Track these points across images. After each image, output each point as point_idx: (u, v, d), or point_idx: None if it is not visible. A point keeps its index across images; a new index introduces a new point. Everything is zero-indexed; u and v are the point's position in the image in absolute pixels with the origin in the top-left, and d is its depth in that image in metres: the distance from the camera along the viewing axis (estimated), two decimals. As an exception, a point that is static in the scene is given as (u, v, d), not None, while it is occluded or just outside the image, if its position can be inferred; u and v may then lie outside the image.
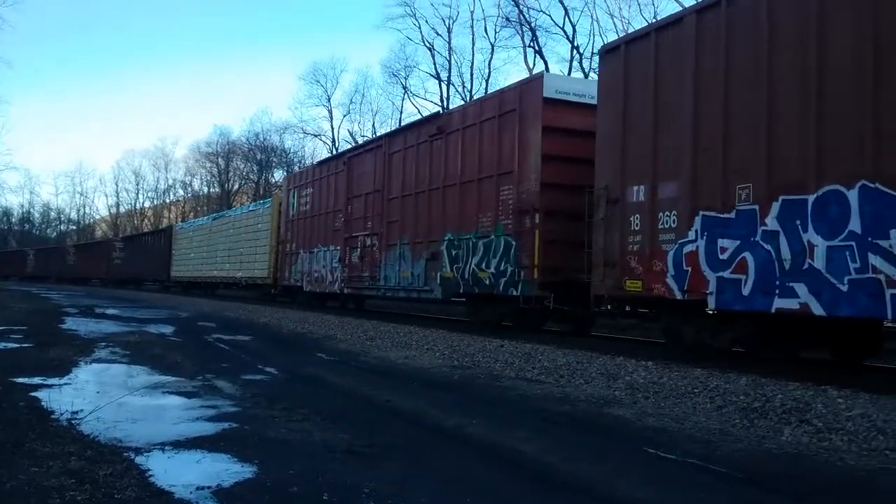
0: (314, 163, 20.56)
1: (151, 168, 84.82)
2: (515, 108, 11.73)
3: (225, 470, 3.92)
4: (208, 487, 3.56)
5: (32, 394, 6.02)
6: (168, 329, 13.91)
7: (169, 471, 3.85)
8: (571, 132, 11.09)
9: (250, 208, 29.02)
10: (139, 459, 4.03)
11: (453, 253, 13.21)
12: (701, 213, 8.13)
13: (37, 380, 6.81)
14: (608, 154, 9.63)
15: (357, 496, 3.50)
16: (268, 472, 3.87)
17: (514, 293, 11.42)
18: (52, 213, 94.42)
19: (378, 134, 28.00)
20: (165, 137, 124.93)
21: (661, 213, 8.70)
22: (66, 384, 6.74)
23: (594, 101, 10.42)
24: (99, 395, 6.10)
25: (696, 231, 8.19)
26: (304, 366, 8.87)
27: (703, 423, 5.52)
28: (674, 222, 8.52)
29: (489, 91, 32.88)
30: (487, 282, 12.13)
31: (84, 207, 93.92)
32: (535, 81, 11.84)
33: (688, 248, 8.29)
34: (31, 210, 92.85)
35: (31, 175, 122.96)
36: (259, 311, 19.68)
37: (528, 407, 6.21)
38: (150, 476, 3.72)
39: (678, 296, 8.37)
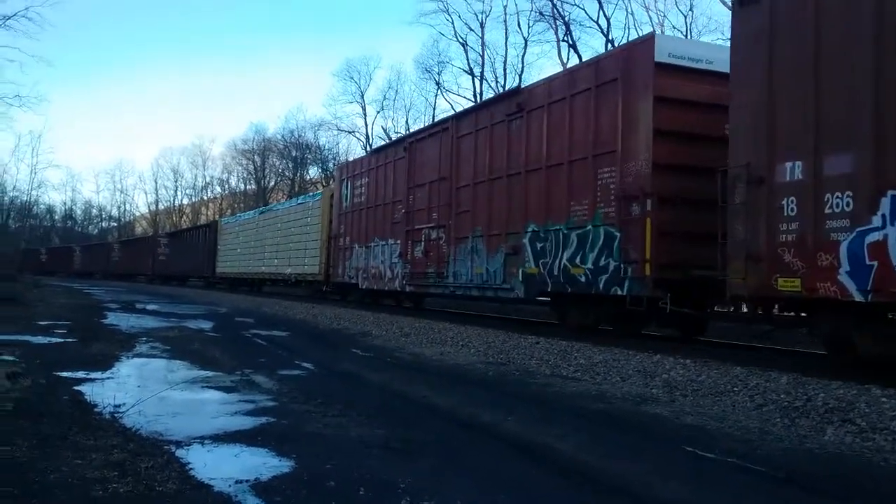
0: (370, 150, 19.08)
1: (189, 165, 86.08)
2: (617, 77, 10.08)
3: (263, 464, 3.96)
4: (247, 481, 3.60)
5: (76, 387, 6.15)
6: (207, 325, 14.12)
7: (208, 464, 3.91)
8: (689, 104, 9.55)
9: (299, 201, 27.32)
10: (179, 453, 4.10)
11: (538, 246, 11.55)
12: (890, 192, 6.49)
13: (80, 374, 6.96)
14: (748, 125, 7.91)
15: (393, 491, 3.51)
16: (305, 467, 3.90)
17: (619, 292, 9.77)
18: (94, 210, 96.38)
19: (407, 131, 27.04)
20: (203, 135, 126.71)
21: (828, 195, 7.00)
22: (108, 378, 6.87)
23: (715, 68, 9.26)
24: (140, 388, 6.21)
25: (884, 216, 6.53)
26: (339, 361, 8.94)
27: (743, 421, 5.44)
28: (848, 205, 6.83)
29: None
30: (583, 279, 10.46)
31: (124, 204, 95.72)
32: (644, 43, 10.12)
33: (871, 238, 6.63)
34: (74, 207, 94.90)
35: (73, 173, 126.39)
36: (295, 308, 19.84)
37: (564, 404, 6.18)
38: (191, 469, 3.77)
39: (857, 297, 6.72)
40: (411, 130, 19.36)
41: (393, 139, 19.68)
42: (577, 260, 10.63)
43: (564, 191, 11.02)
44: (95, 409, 5.17)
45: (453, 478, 3.83)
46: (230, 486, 3.51)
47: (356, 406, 5.71)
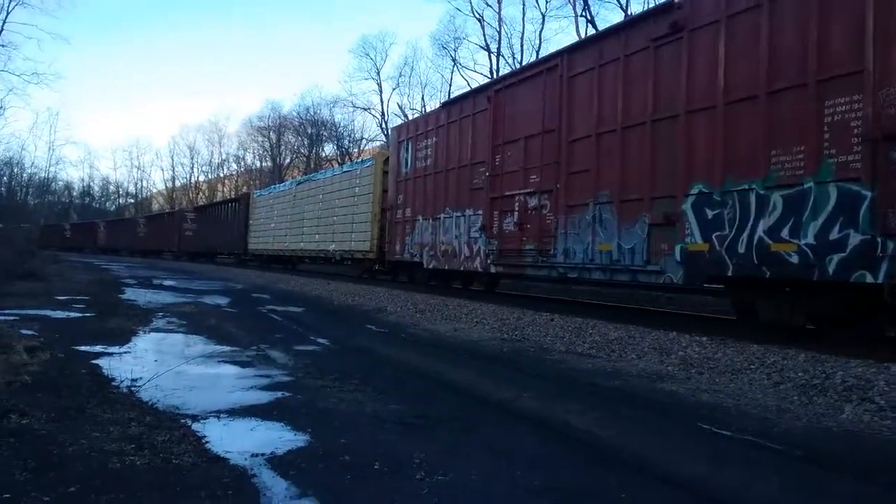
0: (439, 104, 14.92)
1: (205, 142, 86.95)
2: None
3: (278, 438, 3.98)
4: (262, 454, 3.62)
5: (94, 361, 6.20)
6: (223, 300, 14.20)
7: (224, 438, 3.93)
8: None
9: (345, 169, 24.05)
10: (196, 426, 4.12)
11: (709, 214, 8.57)
12: None
13: (98, 348, 7.02)
14: None
15: (408, 466, 3.52)
16: (320, 441, 3.92)
17: (870, 279, 6.77)
18: (111, 187, 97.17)
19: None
20: (219, 112, 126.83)
21: None
22: (125, 352, 6.93)
23: None
24: (157, 363, 6.26)
25: None
26: (354, 337, 8.96)
27: (760, 399, 5.40)
28: None
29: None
30: (795, 259, 7.49)
31: (141, 181, 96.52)
32: None
33: None
34: (91, 184, 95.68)
35: (91, 150, 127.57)
36: (312, 284, 19.90)
37: (579, 381, 6.17)
38: (207, 443, 3.80)
39: None
40: (497, 77, 15.48)
41: (471, 88, 16.14)
42: (785, 232, 7.66)
43: (760, 135, 7.99)
44: (113, 383, 5.21)
45: (468, 453, 3.83)
46: (246, 459, 3.53)
47: (371, 381, 5.73)
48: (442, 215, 15.37)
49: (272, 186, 35.87)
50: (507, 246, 12.78)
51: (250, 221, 34.11)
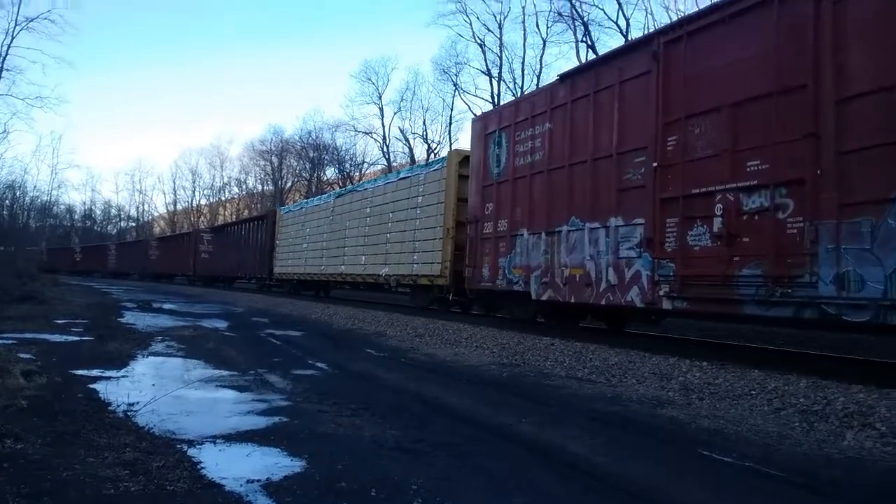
0: (556, 78, 11.46)
1: (207, 166, 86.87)
2: None
3: (275, 464, 3.94)
4: (258, 481, 3.58)
5: (90, 385, 6.17)
6: (222, 324, 14.16)
7: (220, 463, 3.90)
8: None
9: (402, 175, 19.47)
10: (191, 452, 4.09)
11: None
12: None
13: (95, 372, 6.99)
14: None
15: (405, 492, 3.48)
16: (317, 467, 3.88)
17: None
18: (113, 211, 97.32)
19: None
20: (221, 136, 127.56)
21: None
22: (122, 376, 6.89)
23: None
24: (155, 387, 6.22)
25: None
26: (353, 362, 8.92)
27: (761, 425, 5.36)
28: None
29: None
30: None
31: (143, 205, 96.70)
32: None
33: None
34: (93, 207, 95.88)
35: (93, 173, 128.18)
36: (311, 308, 19.84)
37: (579, 406, 6.13)
38: (202, 468, 3.76)
39: None
40: (660, 27, 11.63)
41: (608, 51, 11.37)
42: None
43: None
44: (109, 408, 5.17)
45: (467, 479, 3.79)
46: (241, 485, 3.50)
47: (370, 406, 5.69)
48: (564, 228, 11.16)
49: (303, 202, 32.02)
50: (697, 270, 8.61)
51: (277, 241, 30.03)
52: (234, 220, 57.08)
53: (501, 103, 16.07)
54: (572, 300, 10.91)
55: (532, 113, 12.28)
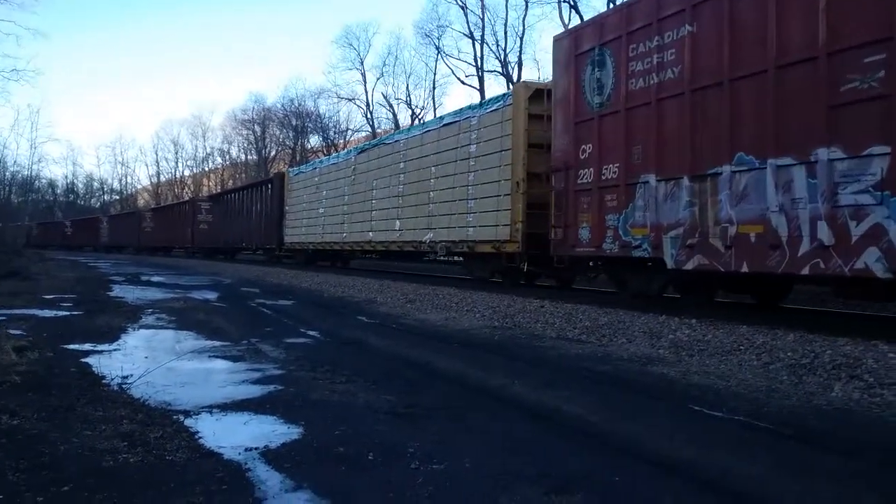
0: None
1: (189, 136, 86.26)
2: None
3: (272, 431, 3.97)
4: (256, 448, 3.61)
5: (83, 360, 6.17)
6: (212, 295, 14.14)
7: (217, 433, 3.92)
8: None
9: (445, 121, 16.13)
10: (188, 422, 4.11)
11: None
12: None
13: (87, 346, 6.98)
14: None
15: (402, 456, 3.52)
16: (314, 434, 3.91)
17: None
18: (96, 184, 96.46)
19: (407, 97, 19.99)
20: (202, 106, 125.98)
21: None
22: (115, 350, 6.89)
23: None
24: (147, 359, 6.23)
25: None
26: (345, 329, 8.95)
27: (750, 380, 5.44)
28: None
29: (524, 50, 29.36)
30: None
31: (126, 177, 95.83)
32: None
33: None
34: (75, 181, 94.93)
35: (74, 147, 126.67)
36: (300, 277, 19.80)
37: (571, 366, 6.19)
38: (200, 438, 3.78)
39: None
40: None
41: None
42: None
43: None
44: (103, 381, 5.18)
45: (462, 442, 3.84)
46: (240, 453, 3.52)
47: (363, 373, 5.72)
48: (724, 169, 8.28)
49: (316, 161, 29.30)
50: None
51: (286, 208, 27.36)
52: (234, 186, 53.62)
53: (591, 17, 12.56)
54: (744, 269, 7.99)
55: (658, 15, 9.31)
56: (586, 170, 10.68)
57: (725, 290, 10.29)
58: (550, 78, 12.50)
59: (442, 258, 17.65)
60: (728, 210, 8.23)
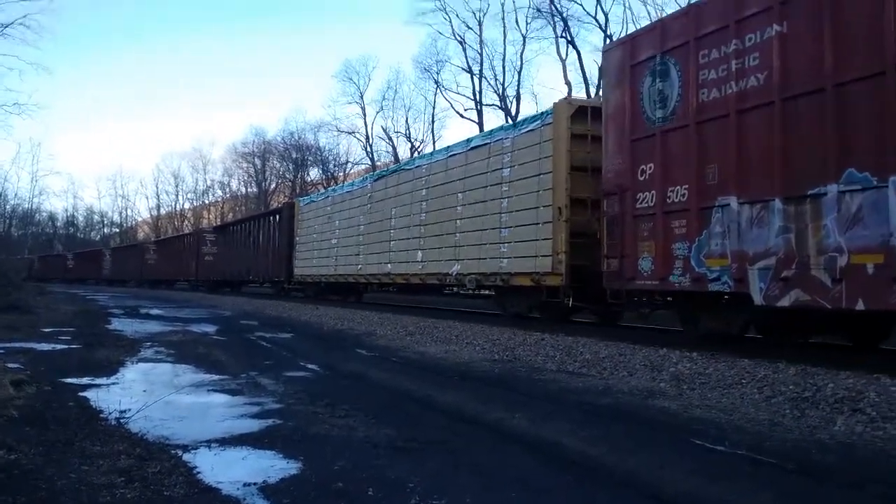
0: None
1: (190, 169, 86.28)
2: None
3: (270, 466, 3.94)
4: (254, 484, 3.58)
5: (81, 394, 6.13)
6: (210, 328, 14.10)
7: (216, 468, 3.88)
8: None
9: (472, 144, 15.00)
10: (186, 457, 4.07)
11: None
12: None
13: (85, 380, 6.95)
14: None
15: (402, 491, 3.49)
16: (313, 469, 3.88)
17: None
18: (96, 217, 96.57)
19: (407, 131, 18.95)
20: (203, 139, 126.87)
21: None
22: (113, 384, 6.86)
23: None
24: (146, 393, 6.19)
25: None
26: (344, 362, 8.91)
27: (752, 413, 5.41)
28: None
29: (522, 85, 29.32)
30: None
31: (126, 210, 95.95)
32: None
33: None
34: (76, 214, 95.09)
35: (74, 179, 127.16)
36: (300, 310, 19.75)
37: (571, 400, 6.16)
38: (198, 473, 3.75)
39: None
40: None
41: None
42: None
43: None
44: (101, 415, 5.15)
45: (462, 477, 3.81)
46: (238, 489, 3.49)
47: (363, 406, 5.69)
48: (830, 189, 7.13)
49: (328, 189, 28.27)
50: None
51: (297, 238, 26.25)
52: (240, 216, 52.52)
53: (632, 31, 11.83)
54: (859, 306, 6.78)
55: (736, 16, 8.24)
56: (646, 193, 9.49)
57: (819, 330, 8.95)
58: (542, 110, 12.12)
59: (469, 291, 16.44)
60: (836, 237, 7.02)
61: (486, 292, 15.76)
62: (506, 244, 13.29)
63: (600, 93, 11.05)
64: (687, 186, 8.84)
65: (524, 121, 13.59)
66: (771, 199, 7.73)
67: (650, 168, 9.46)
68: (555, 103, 12.56)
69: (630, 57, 9.96)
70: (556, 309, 12.58)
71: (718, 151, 8.44)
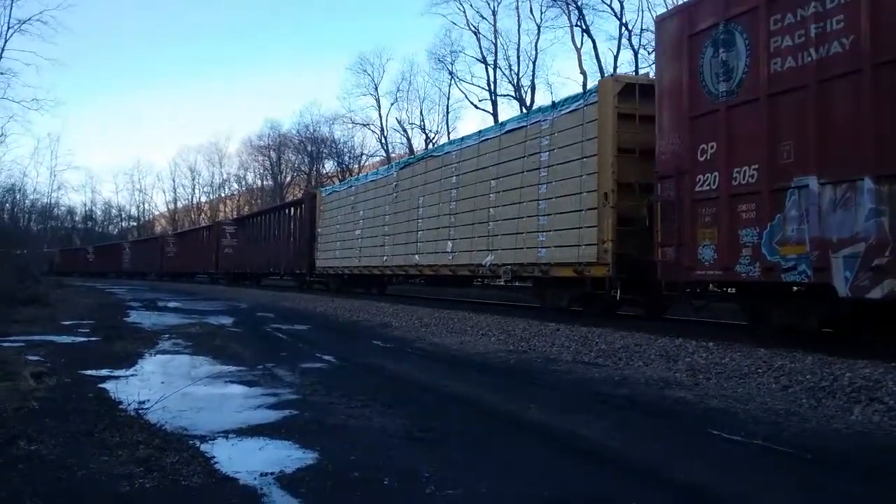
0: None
1: (206, 163, 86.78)
2: None
3: (287, 456, 3.97)
4: (272, 473, 3.61)
5: (100, 385, 6.20)
6: (227, 320, 14.20)
7: (233, 458, 3.92)
8: None
9: (506, 128, 14.18)
10: (204, 447, 4.11)
11: None
12: None
13: (104, 371, 7.02)
14: None
15: (417, 480, 3.51)
16: (329, 458, 3.91)
17: None
18: (113, 211, 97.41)
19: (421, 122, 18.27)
20: (219, 132, 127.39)
21: None
22: (132, 375, 6.93)
23: None
24: (164, 385, 6.25)
25: None
26: (360, 353, 8.95)
27: (769, 403, 5.38)
28: None
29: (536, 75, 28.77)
30: None
31: (143, 204, 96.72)
32: None
33: None
34: (94, 208, 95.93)
35: (92, 174, 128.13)
36: (316, 301, 19.83)
37: (587, 390, 6.15)
38: (216, 463, 3.79)
39: None
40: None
41: None
42: None
43: None
44: (120, 406, 5.20)
45: (478, 466, 3.82)
46: (255, 478, 3.52)
47: (378, 397, 5.71)
48: None
49: (352, 179, 27.27)
50: None
51: (318, 230, 25.56)
52: (260, 208, 51.91)
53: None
54: None
55: None
56: (708, 174, 8.63)
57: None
58: (560, 98, 11.99)
59: (503, 283, 15.76)
60: None
61: (521, 284, 14.75)
62: (544, 233, 12.43)
63: (651, 68, 10.33)
64: (757, 166, 7.97)
65: (565, 101, 12.51)
66: (859, 178, 6.82)
67: (712, 147, 8.61)
68: (600, 80, 11.75)
69: (688, 26, 9.06)
70: (600, 302, 11.89)
71: (795, 127, 7.57)
